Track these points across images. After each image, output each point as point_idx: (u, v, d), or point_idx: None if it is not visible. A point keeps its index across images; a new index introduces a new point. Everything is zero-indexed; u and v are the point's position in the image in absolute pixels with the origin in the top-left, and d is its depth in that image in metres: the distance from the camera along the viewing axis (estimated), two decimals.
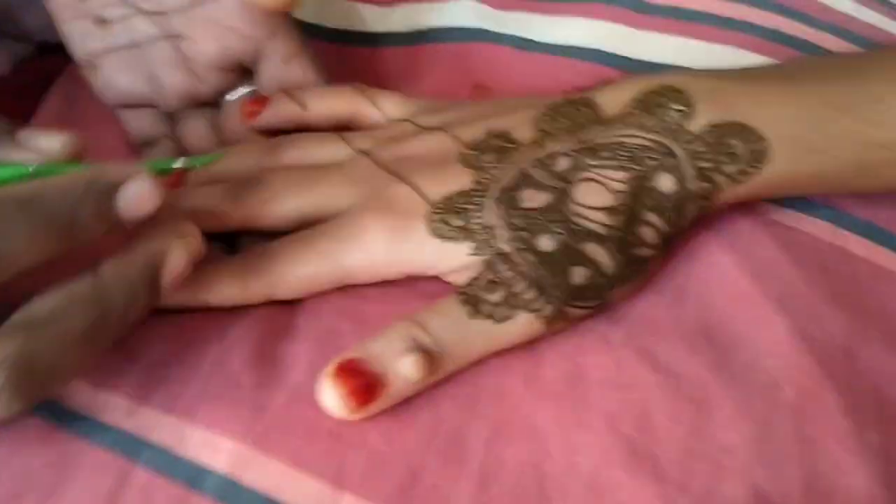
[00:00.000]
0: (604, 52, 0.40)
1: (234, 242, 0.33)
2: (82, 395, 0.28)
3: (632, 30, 0.40)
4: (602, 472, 0.26)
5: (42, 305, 0.24)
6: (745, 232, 0.31)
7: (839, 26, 0.41)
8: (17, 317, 0.23)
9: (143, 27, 0.36)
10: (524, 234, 0.29)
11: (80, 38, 0.36)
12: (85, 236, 0.25)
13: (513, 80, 0.40)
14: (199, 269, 0.30)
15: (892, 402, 0.28)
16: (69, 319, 0.24)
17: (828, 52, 0.40)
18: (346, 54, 0.43)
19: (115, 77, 0.37)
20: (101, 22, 0.36)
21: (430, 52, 0.41)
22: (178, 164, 0.30)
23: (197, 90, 0.37)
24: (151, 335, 0.30)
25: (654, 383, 0.28)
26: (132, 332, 0.27)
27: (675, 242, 0.31)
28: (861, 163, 0.30)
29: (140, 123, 0.38)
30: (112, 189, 0.25)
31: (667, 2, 0.41)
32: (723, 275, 0.30)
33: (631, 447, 0.26)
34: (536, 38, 0.41)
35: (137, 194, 0.25)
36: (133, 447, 0.27)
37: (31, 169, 0.26)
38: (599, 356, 0.28)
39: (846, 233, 0.32)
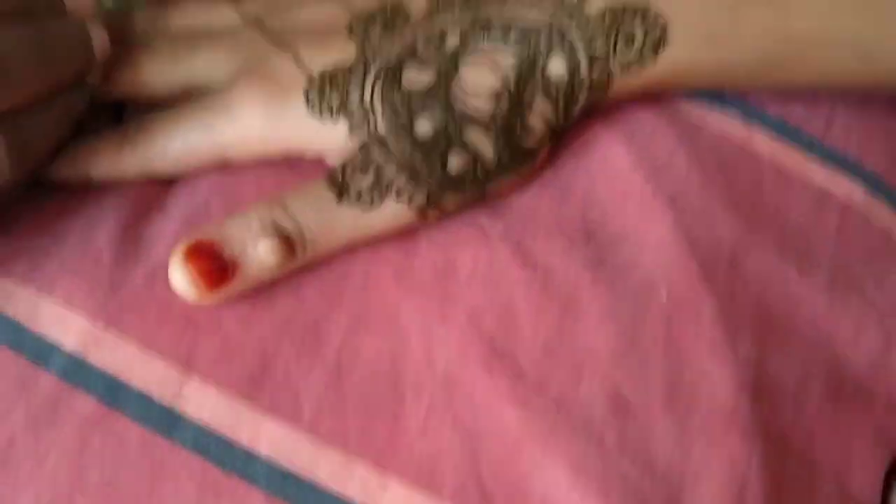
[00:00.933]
0: None
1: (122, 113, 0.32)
2: None
3: None
4: (458, 368, 0.25)
5: None
6: (644, 125, 0.29)
7: None
8: None
9: None
10: (401, 115, 0.27)
11: None
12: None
13: None
14: (78, 141, 0.29)
15: (773, 311, 0.27)
16: (8, 29, 0.24)
17: None
18: None
19: None
20: None
21: None
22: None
23: None
24: (24, 206, 0.28)
25: (524, 280, 0.26)
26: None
27: (567, 133, 0.29)
28: (768, 57, 0.28)
29: None
30: None
31: None
32: (614, 169, 0.28)
33: (490, 344, 0.26)
34: None
35: None
36: None
37: None
38: (473, 249, 0.27)
39: (755, 129, 0.30)
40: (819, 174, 0.30)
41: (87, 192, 0.29)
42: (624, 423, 0.25)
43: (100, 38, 0.27)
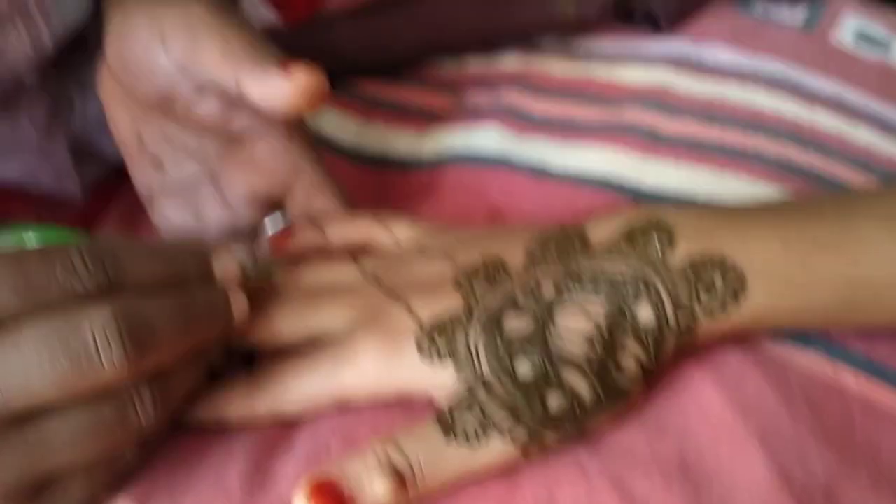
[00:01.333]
0: (615, 180, 0.41)
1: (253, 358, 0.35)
2: None
3: (644, 158, 0.41)
4: None
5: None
6: (732, 365, 0.31)
7: (856, 158, 0.41)
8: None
9: (190, 168, 0.39)
10: (504, 359, 0.30)
11: (140, 175, 0.40)
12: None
13: (528, 207, 0.41)
14: (212, 385, 0.32)
15: None
16: (162, 300, 0.28)
17: (842, 185, 0.40)
18: (380, 177, 0.46)
19: (170, 214, 0.40)
20: (158, 164, 0.40)
21: (453, 176, 0.44)
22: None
23: (235, 224, 0.40)
24: (165, 445, 0.32)
25: None
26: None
27: (659, 373, 0.31)
28: (844, 300, 0.30)
29: None
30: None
31: (679, 132, 0.42)
32: (706, 408, 0.30)
33: None
34: (553, 166, 0.43)
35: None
36: None
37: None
38: (573, 485, 0.29)
39: (841, 367, 0.32)
40: None
41: (219, 430, 0.32)
42: None
43: (240, 305, 0.31)
